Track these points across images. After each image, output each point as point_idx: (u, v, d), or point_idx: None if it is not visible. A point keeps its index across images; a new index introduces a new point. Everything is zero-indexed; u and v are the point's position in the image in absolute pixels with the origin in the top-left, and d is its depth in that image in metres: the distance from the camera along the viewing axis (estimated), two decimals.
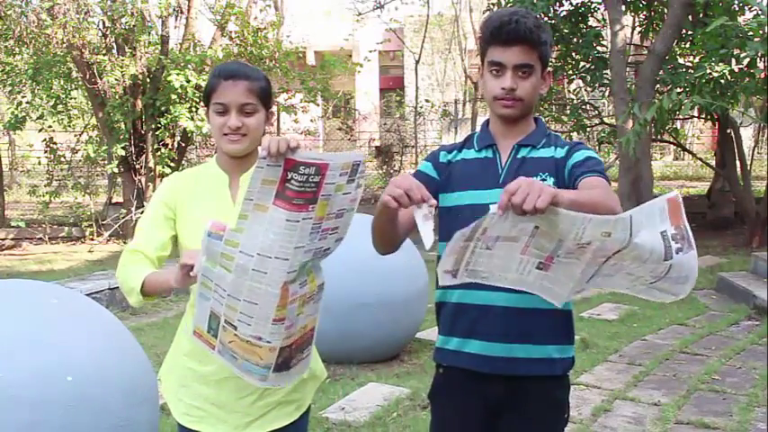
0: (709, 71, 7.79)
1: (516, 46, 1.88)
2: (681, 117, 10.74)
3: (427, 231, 1.71)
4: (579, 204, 1.60)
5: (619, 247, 1.59)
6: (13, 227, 12.28)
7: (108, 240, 11.77)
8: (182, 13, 11.95)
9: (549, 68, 1.99)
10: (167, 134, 11.50)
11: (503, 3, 10.20)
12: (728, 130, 11.05)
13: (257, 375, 1.85)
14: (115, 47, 11.86)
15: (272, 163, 1.69)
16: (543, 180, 1.90)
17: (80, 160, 12.87)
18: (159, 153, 11.52)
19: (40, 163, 14.15)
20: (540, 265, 1.67)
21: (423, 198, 1.67)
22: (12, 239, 12.44)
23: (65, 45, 11.05)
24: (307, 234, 1.73)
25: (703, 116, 10.67)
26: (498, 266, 1.68)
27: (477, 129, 2.14)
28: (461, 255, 1.66)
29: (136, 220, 11.31)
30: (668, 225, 1.58)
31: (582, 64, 10.79)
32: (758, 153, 15.49)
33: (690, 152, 13.43)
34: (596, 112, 12.60)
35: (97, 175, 13.72)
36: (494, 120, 2.03)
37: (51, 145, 12.50)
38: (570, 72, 11.26)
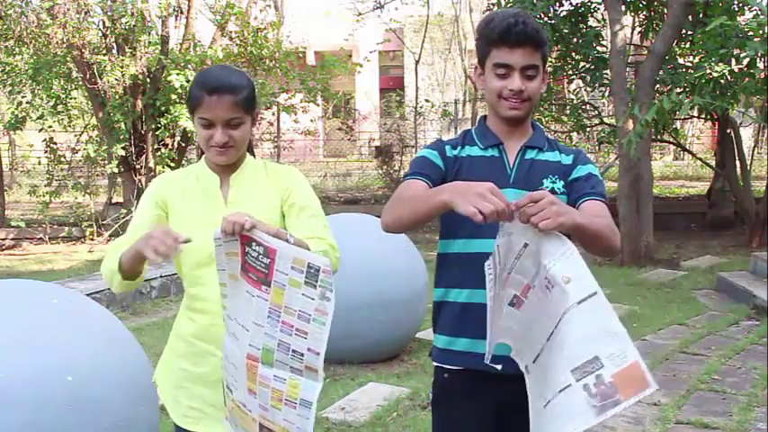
0: (709, 71, 7.78)
1: (523, 47, 1.91)
2: (681, 117, 10.73)
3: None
4: (584, 231, 1.68)
5: (564, 309, 1.58)
6: (13, 227, 12.26)
7: (108, 240, 11.75)
8: (182, 13, 11.93)
9: (547, 68, 2.02)
10: (167, 134, 11.49)
11: (503, 3, 10.19)
12: (728, 130, 11.04)
13: None
14: (115, 47, 11.84)
15: (228, 239, 1.79)
16: (553, 183, 1.97)
17: (80, 160, 12.84)
18: (159, 153, 11.52)
19: (39, 163, 14.13)
20: (514, 300, 1.68)
21: (510, 214, 1.61)
22: (12, 239, 12.42)
23: (65, 45, 11.04)
24: (264, 316, 1.78)
25: (703, 116, 10.67)
26: (496, 312, 1.71)
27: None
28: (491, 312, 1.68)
29: None
30: (609, 371, 1.51)
31: (582, 64, 10.78)
32: (758, 153, 15.47)
33: (690, 152, 13.42)
34: (596, 112, 12.59)
35: (97, 175, 13.69)
36: (495, 120, 2.03)
37: (51, 145, 12.48)
38: (570, 72, 11.25)
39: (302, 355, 1.78)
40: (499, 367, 1.75)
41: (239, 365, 1.82)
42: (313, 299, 1.75)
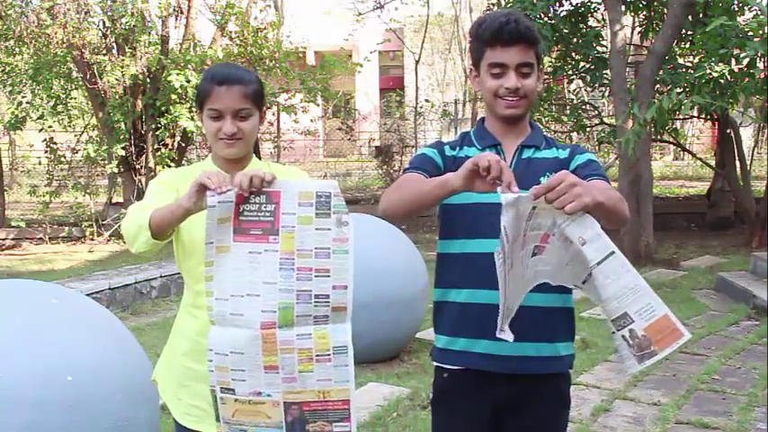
0: (708, 71, 7.78)
1: (516, 46, 1.92)
2: (681, 117, 10.72)
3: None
4: (604, 208, 1.66)
5: (587, 268, 1.61)
6: (13, 227, 12.26)
7: (108, 240, 11.77)
8: (182, 13, 11.93)
9: (541, 66, 2.03)
10: (167, 134, 11.49)
11: (503, 3, 10.19)
12: (728, 130, 11.04)
13: None
14: (115, 47, 11.85)
15: (223, 200, 1.68)
16: None
17: (80, 160, 12.85)
18: (159, 153, 11.52)
19: (40, 163, 14.12)
20: (535, 250, 1.68)
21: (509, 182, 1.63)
22: (12, 239, 12.42)
23: (65, 45, 11.05)
24: (275, 269, 1.68)
25: (703, 116, 10.67)
26: (514, 281, 1.69)
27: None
28: (505, 290, 1.66)
29: None
30: (640, 325, 1.57)
31: (582, 64, 10.78)
32: (758, 153, 15.47)
33: (690, 152, 13.43)
34: (596, 112, 12.59)
35: (97, 175, 13.70)
36: (493, 120, 2.04)
37: (51, 145, 12.49)
38: (570, 72, 11.25)
39: (327, 296, 1.69)
40: (511, 338, 1.71)
41: (247, 348, 1.70)
42: (329, 229, 1.67)
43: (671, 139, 12.49)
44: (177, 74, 10.74)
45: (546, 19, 9.91)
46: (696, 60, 9.87)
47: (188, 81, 10.73)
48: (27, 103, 12.78)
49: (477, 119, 2.15)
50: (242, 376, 1.72)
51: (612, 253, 1.58)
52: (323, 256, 1.68)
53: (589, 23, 10.69)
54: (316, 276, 1.68)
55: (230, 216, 1.69)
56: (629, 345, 1.60)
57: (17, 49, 12.16)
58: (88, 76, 11.33)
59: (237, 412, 1.77)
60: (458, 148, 2.05)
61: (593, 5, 10.58)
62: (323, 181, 1.71)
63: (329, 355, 1.71)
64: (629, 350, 1.60)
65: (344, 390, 1.73)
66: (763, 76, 8.45)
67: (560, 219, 1.60)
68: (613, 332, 1.64)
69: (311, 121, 14.01)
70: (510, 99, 1.95)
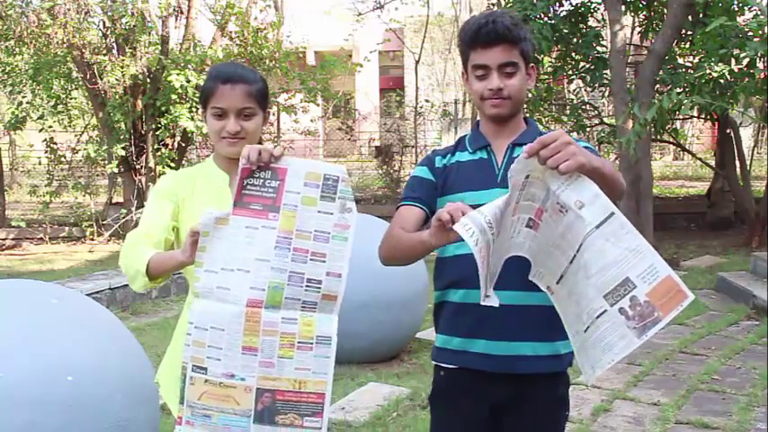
0: (708, 71, 7.78)
1: (497, 46, 1.91)
2: (681, 117, 10.72)
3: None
4: (601, 174, 1.63)
5: (583, 235, 1.55)
6: (13, 227, 12.27)
7: (108, 240, 11.77)
8: (182, 13, 11.94)
9: (532, 64, 2.01)
10: (167, 134, 11.49)
11: (502, 3, 10.19)
12: (728, 130, 11.04)
13: (236, 429, 1.69)
14: (115, 47, 11.85)
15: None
16: None
17: (80, 160, 12.85)
18: (159, 153, 11.52)
19: (40, 163, 14.13)
20: (529, 222, 1.64)
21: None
22: (12, 239, 12.43)
23: (65, 45, 11.05)
24: (271, 247, 1.65)
25: (703, 116, 10.67)
26: (499, 245, 1.63)
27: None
28: (487, 259, 1.59)
29: (136, 221, 11.30)
30: (642, 290, 1.50)
31: (582, 64, 10.77)
32: (758, 153, 15.47)
33: (690, 152, 13.43)
34: (596, 112, 12.59)
35: (97, 175, 13.71)
36: (484, 121, 2.05)
37: (51, 145, 12.50)
38: (570, 72, 11.24)
39: (319, 282, 1.67)
40: (497, 304, 1.68)
41: (228, 325, 1.66)
42: (332, 213, 1.66)
43: (671, 139, 12.49)
44: (177, 74, 10.74)
45: (546, 19, 9.91)
46: (696, 60, 9.87)
47: (188, 81, 10.73)
48: (27, 103, 12.78)
49: (475, 122, 2.15)
50: (218, 354, 1.68)
51: (612, 214, 1.52)
52: (321, 239, 1.67)
53: (589, 23, 10.68)
54: (311, 260, 1.66)
55: (233, 190, 1.69)
56: (628, 317, 1.51)
57: (17, 49, 12.15)
58: (88, 76, 11.33)
59: (205, 395, 1.71)
60: (449, 156, 2.06)
61: (593, 5, 10.57)
62: (332, 165, 1.70)
63: (312, 343, 1.68)
64: (627, 324, 1.51)
65: (321, 382, 1.70)
66: (763, 76, 8.45)
67: (555, 184, 1.55)
68: (602, 312, 1.53)
69: (311, 121, 14.01)
70: (494, 100, 1.94)
